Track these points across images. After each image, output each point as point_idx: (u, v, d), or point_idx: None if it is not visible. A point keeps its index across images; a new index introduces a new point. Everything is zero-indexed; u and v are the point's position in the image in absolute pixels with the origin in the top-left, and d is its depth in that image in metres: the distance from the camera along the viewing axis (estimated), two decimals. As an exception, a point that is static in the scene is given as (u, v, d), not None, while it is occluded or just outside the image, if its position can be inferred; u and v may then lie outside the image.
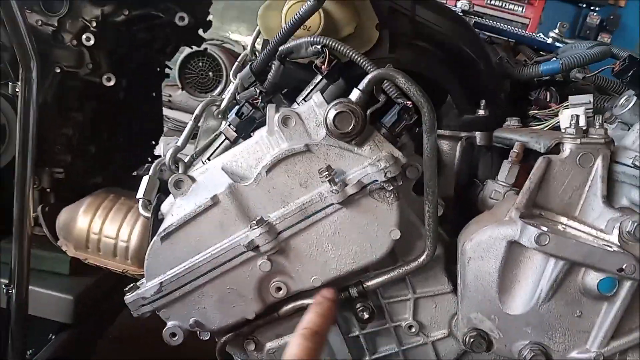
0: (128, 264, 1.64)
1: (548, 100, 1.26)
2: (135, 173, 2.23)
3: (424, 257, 1.00)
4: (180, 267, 0.99)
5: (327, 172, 0.92)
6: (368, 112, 0.94)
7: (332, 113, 0.92)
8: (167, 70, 2.36)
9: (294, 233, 0.97)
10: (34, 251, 1.53)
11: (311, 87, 1.03)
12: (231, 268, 0.99)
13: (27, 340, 1.53)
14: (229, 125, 1.06)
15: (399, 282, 1.06)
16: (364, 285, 1.03)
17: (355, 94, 0.94)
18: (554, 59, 1.31)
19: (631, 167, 0.92)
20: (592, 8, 5.85)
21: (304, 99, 1.03)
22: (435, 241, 0.99)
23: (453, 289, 1.06)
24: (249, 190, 0.97)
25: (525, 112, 1.23)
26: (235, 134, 1.05)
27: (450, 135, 1.17)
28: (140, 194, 1.11)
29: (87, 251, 1.66)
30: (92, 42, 1.68)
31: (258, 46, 1.32)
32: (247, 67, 1.12)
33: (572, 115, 0.96)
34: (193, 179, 1.01)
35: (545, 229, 0.89)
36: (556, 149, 0.96)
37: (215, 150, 1.09)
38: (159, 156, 1.17)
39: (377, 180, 0.93)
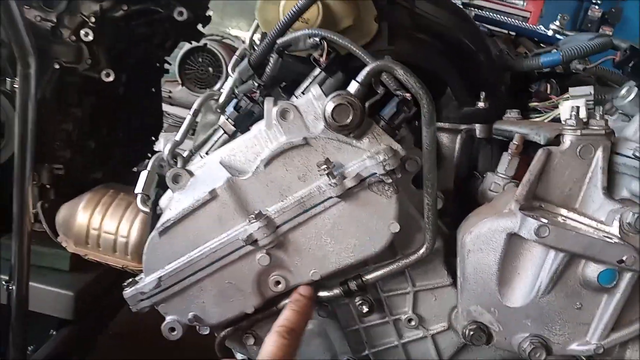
0: (128, 259, 1.64)
1: (548, 92, 1.25)
2: (135, 169, 2.23)
3: (423, 250, 0.99)
4: (179, 261, 0.99)
5: (325, 166, 0.91)
6: (367, 104, 0.93)
7: (331, 106, 0.91)
8: (166, 66, 2.35)
9: (293, 227, 0.97)
10: (34, 247, 1.53)
11: (310, 80, 1.02)
12: (230, 262, 0.98)
13: (28, 336, 1.53)
14: (227, 119, 1.05)
15: (398, 276, 1.06)
16: (364, 279, 1.02)
17: (353, 86, 0.93)
18: (555, 50, 1.30)
19: (632, 158, 0.92)
20: (593, 1, 5.83)
21: (302, 92, 1.02)
22: (435, 234, 0.98)
23: (453, 282, 1.06)
24: (247, 184, 0.96)
25: (526, 105, 1.23)
26: (233, 128, 1.05)
27: (449, 128, 1.16)
28: (138, 188, 1.11)
29: (87, 247, 1.66)
30: (90, 37, 1.68)
31: (257, 40, 1.32)
32: (246, 60, 1.11)
33: (572, 107, 0.96)
34: (191, 173, 1.01)
35: (545, 220, 0.89)
36: (556, 140, 0.96)
37: (213, 145, 1.08)
38: (159, 152, 1.17)
39: (376, 173, 0.93)
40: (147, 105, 2.30)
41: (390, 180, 0.93)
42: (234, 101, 1.07)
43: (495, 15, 1.66)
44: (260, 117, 1.01)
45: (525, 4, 4.50)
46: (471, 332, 1.00)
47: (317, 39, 0.96)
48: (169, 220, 0.98)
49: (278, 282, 1.01)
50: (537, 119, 1.16)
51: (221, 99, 1.21)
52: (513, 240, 0.93)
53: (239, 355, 1.14)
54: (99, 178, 1.91)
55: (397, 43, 1.09)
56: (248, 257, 0.98)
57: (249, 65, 1.09)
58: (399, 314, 1.09)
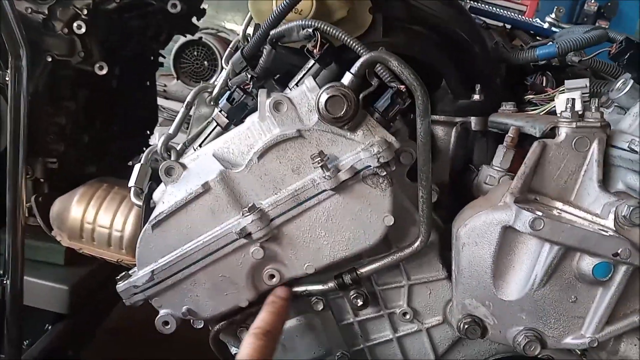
0: (122, 253, 1.63)
1: (544, 85, 1.24)
2: (130, 163, 2.21)
3: (417, 243, 0.99)
4: (172, 255, 0.98)
5: (319, 158, 0.90)
6: (361, 96, 0.92)
7: (324, 97, 0.90)
8: (161, 60, 2.34)
9: (287, 220, 0.96)
10: (28, 241, 1.52)
11: (303, 72, 1.01)
12: (223, 256, 0.98)
13: (23, 330, 1.52)
14: (220, 112, 1.04)
15: (393, 269, 1.06)
16: (358, 272, 1.02)
17: (347, 78, 0.93)
18: (550, 43, 1.29)
19: (627, 150, 0.91)
20: (590, -5, 5.81)
21: (296, 84, 1.01)
22: (429, 227, 0.98)
23: (447, 275, 1.06)
24: (240, 176, 0.96)
25: (521, 97, 1.22)
26: (226, 120, 1.04)
27: (445, 121, 1.15)
28: (132, 182, 1.10)
29: (81, 241, 1.66)
30: (83, 30, 1.66)
31: (251, 32, 1.31)
32: (239, 52, 1.10)
33: (568, 99, 0.95)
34: (184, 166, 1.00)
35: (539, 213, 0.89)
36: (552, 133, 0.95)
37: (207, 137, 1.08)
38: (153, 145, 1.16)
39: (370, 166, 0.92)
40: (141, 98, 2.29)
41: (384, 173, 0.93)
42: (227, 93, 1.06)
43: (490, 7, 1.65)
44: (254, 109, 1.00)
45: (521, -2, 4.48)
46: (466, 326, 1.00)
47: (311, 30, 0.95)
48: (162, 213, 0.97)
49: (272, 276, 1.01)
50: (533, 112, 1.15)
51: (215, 92, 1.20)
52: (508, 233, 0.93)
53: (233, 349, 1.14)
54: (93, 172, 1.90)
55: (391, 35, 1.08)
56: (242, 251, 0.98)
57: (242, 56, 1.08)
58: (394, 308, 1.09)
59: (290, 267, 1.00)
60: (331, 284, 1.03)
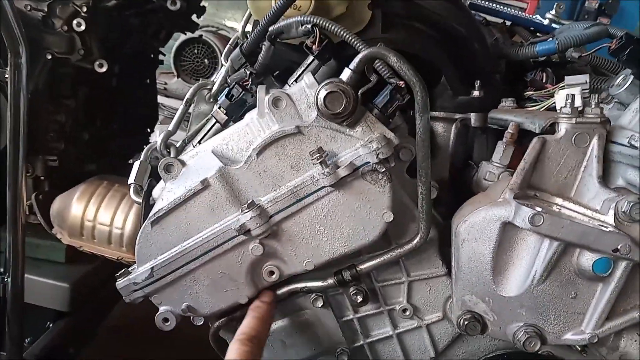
0: (123, 251, 1.63)
1: (544, 81, 1.24)
2: (130, 161, 2.21)
3: (417, 239, 0.99)
4: (171, 251, 0.98)
5: (318, 154, 0.90)
6: (359, 92, 0.92)
7: (323, 93, 0.90)
8: (161, 57, 2.34)
9: (286, 216, 0.96)
10: (29, 239, 1.52)
11: (302, 69, 1.01)
12: (222, 252, 0.98)
13: (25, 328, 1.53)
14: (219, 108, 1.04)
15: (392, 265, 1.05)
16: (358, 269, 1.02)
17: (346, 74, 0.92)
18: (550, 39, 1.29)
19: (627, 146, 0.91)
20: (590, -8, 5.79)
21: (295, 80, 1.01)
22: (429, 223, 0.97)
23: (447, 271, 1.05)
24: (239, 173, 0.96)
25: (521, 94, 1.22)
26: (225, 117, 1.04)
27: (444, 117, 1.15)
28: (131, 179, 1.10)
29: (81, 238, 1.66)
30: (83, 27, 1.66)
31: (250, 29, 1.30)
32: (238, 48, 1.10)
33: (567, 95, 0.95)
34: (183, 163, 1.00)
35: (539, 209, 0.88)
36: (551, 129, 0.95)
37: (206, 134, 1.07)
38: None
39: (370, 162, 0.92)
40: (141, 96, 2.29)
41: (383, 169, 0.93)
42: (226, 90, 1.05)
43: (490, 4, 1.64)
44: (253, 105, 1.00)
45: (522, -5, 4.46)
46: (466, 322, 0.99)
47: (310, 27, 0.95)
48: (161, 210, 0.97)
49: (272, 272, 1.01)
50: (533, 108, 1.15)
51: (214, 89, 1.20)
52: (508, 229, 0.93)
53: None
54: (93, 170, 1.90)
55: (391, 31, 1.08)
56: (241, 247, 0.98)
57: (240, 53, 1.08)
58: (394, 304, 1.09)
59: (289, 263, 1.00)
60: (331, 281, 1.03)
